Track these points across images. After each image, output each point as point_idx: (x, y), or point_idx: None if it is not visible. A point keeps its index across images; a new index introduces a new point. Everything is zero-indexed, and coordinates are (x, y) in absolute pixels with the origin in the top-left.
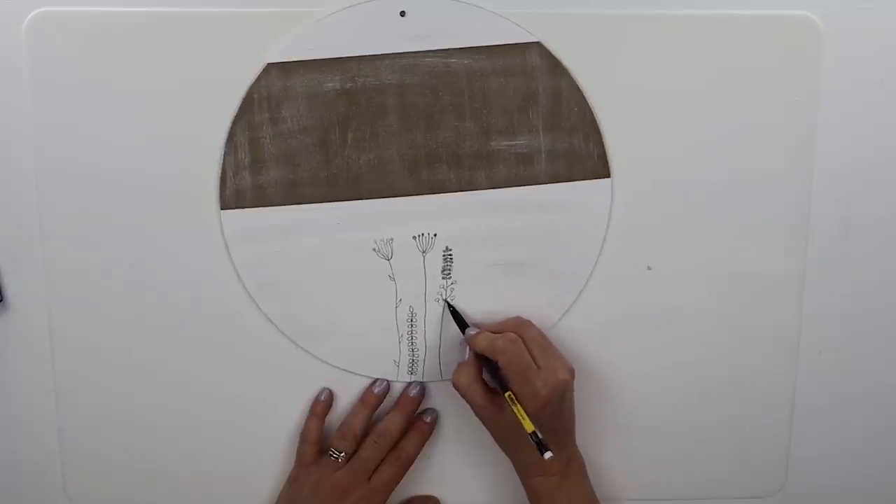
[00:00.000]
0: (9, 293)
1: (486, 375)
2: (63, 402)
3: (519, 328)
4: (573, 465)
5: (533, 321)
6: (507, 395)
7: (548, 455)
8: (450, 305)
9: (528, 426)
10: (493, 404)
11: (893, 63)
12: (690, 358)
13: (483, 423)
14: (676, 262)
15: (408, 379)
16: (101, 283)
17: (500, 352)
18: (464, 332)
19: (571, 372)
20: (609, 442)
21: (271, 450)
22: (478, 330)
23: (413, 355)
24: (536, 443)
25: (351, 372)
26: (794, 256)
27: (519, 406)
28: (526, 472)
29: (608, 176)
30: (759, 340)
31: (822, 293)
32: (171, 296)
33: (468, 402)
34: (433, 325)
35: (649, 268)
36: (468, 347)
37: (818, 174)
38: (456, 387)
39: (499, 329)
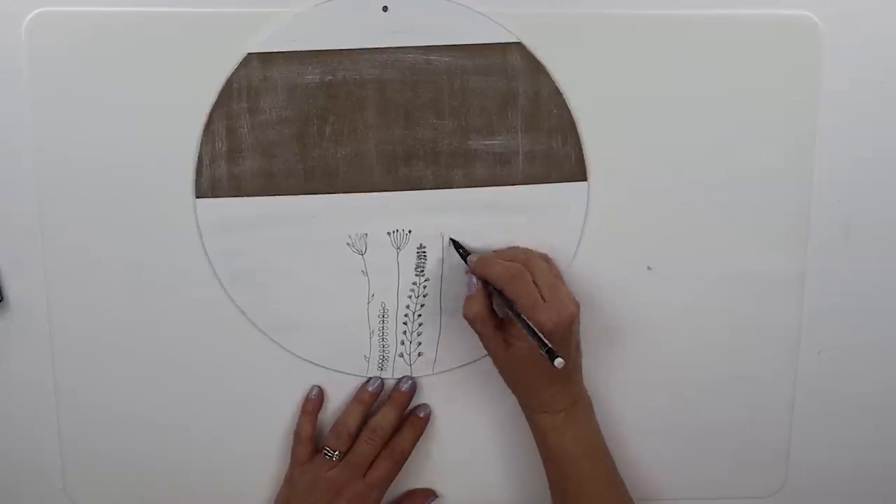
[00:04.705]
0: (9, 293)
1: (495, 304)
2: (63, 402)
3: (527, 260)
4: (580, 403)
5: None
6: (514, 312)
7: (558, 361)
8: (453, 240)
9: (538, 339)
10: (502, 339)
11: (893, 63)
12: (690, 358)
13: (491, 356)
14: (676, 262)
15: (377, 375)
16: (102, 282)
17: (505, 281)
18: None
19: (577, 306)
20: (608, 442)
21: (267, 448)
22: (479, 255)
23: (383, 351)
24: (547, 352)
25: (320, 366)
26: (794, 256)
27: (526, 321)
28: (531, 408)
29: (585, 179)
30: (759, 340)
31: (822, 293)
32: (171, 296)
33: (478, 334)
34: (404, 321)
35: (649, 268)
36: (474, 278)
37: (818, 174)
38: (466, 319)
39: (505, 257)
